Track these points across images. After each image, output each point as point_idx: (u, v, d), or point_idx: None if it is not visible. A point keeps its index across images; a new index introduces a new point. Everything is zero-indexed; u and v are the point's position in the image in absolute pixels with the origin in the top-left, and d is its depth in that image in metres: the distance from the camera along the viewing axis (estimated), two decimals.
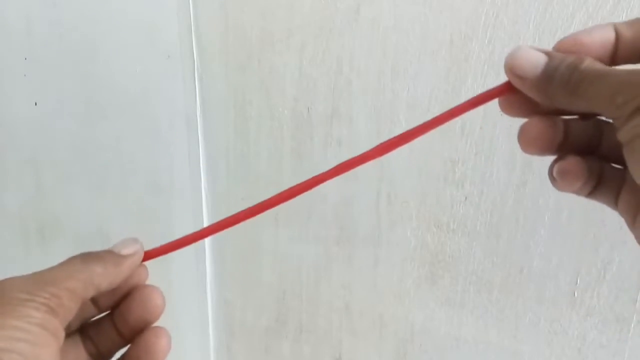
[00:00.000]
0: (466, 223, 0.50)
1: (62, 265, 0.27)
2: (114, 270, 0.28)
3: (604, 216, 0.45)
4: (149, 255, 0.31)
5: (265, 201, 0.29)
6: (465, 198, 0.49)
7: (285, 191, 0.29)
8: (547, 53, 0.26)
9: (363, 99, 0.50)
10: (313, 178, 0.28)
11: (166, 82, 0.59)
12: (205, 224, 0.61)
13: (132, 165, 0.64)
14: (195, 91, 0.58)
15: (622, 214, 0.28)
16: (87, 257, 0.28)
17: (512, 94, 0.27)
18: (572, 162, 0.27)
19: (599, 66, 0.24)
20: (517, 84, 0.27)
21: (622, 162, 0.27)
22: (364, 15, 0.48)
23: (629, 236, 0.45)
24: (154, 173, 0.63)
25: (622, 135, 0.23)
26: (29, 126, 0.68)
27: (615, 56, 0.26)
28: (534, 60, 0.26)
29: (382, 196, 0.52)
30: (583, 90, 0.24)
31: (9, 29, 0.65)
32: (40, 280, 0.25)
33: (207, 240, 0.62)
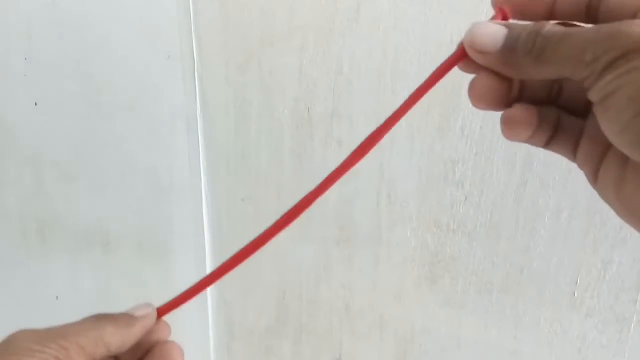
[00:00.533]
0: (466, 223, 0.50)
1: (75, 322, 0.28)
2: (126, 331, 0.29)
3: (604, 216, 0.45)
4: (162, 311, 0.32)
5: (272, 226, 0.29)
6: (465, 198, 0.49)
7: (285, 214, 0.29)
8: (506, 25, 0.25)
9: (363, 99, 0.50)
10: (311, 193, 0.28)
11: (166, 82, 0.59)
12: (205, 224, 0.61)
13: (132, 165, 0.64)
14: (195, 91, 0.58)
15: (580, 166, 0.27)
16: (100, 317, 0.29)
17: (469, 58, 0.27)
18: (520, 110, 0.26)
19: (561, 28, 0.23)
20: (479, 59, 0.26)
21: (581, 113, 0.26)
22: (364, 15, 0.48)
23: (629, 236, 0.45)
24: (154, 173, 0.63)
25: (594, 94, 0.22)
26: (29, 126, 0.68)
27: (553, 11, 0.26)
28: (494, 34, 0.25)
29: (382, 196, 0.52)
30: (549, 55, 0.23)
31: (9, 29, 0.65)
32: (51, 333, 0.26)
33: (207, 240, 0.62)
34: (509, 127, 0.26)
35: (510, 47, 0.24)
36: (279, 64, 0.53)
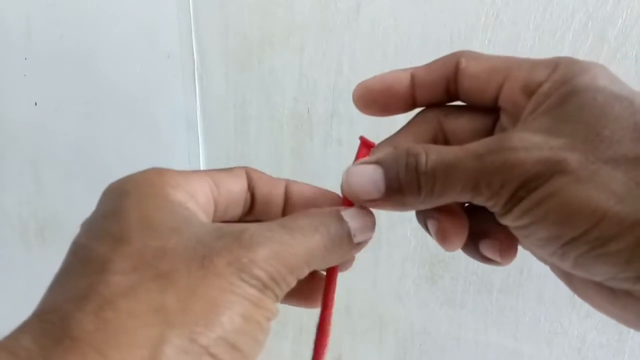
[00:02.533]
0: None
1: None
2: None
3: None
4: None
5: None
6: None
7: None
8: (376, 162, 0.24)
9: None
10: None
11: (166, 82, 0.59)
12: None
13: (132, 165, 0.64)
14: (195, 91, 0.58)
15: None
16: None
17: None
18: (449, 222, 0.24)
19: (438, 157, 0.22)
20: (371, 206, 0.25)
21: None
22: (364, 15, 0.48)
23: None
24: None
25: (507, 223, 0.22)
26: (29, 126, 0.68)
27: (415, 98, 0.27)
28: (371, 181, 0.24)
29: None
30: (439, 192, 0.22)
31: (9, 29, 0.65)
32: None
33: None
34: (443, 242, 0.25)
35: (395, 189, 0.24)
36: (279, 64, 0.53)
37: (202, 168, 0.60)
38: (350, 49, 0.49)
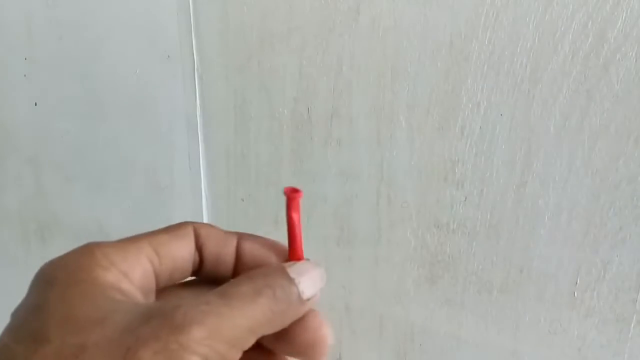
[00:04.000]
0: (466, 223, 0.50)
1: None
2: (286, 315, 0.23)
3: (604, 216, 0.45)
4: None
5: None
6: (465, 198, 0.49)
7: None
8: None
9: (363, 99, 0.50)
10: None
11: (166, 82, 0.59)
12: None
13: (132, 165, 0.64)
14: (195, 91, 0.58)
15: None
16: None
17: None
18: None
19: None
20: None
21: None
22: (364, 15, 0.48)
23: (629, 236, 0.45)
24: (154, 173, 0.63)
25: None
26: (29, 126, 0.68)
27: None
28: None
29: (382, 196, 0.52)
30: None
31: (9, 29, 0.65)
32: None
33: None
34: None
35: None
36: (279, 64, 0.53)
37: (202, 168, 0.60)
38: (350, 49, 0.49)
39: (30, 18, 0.63)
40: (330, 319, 0.62)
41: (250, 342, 0.21)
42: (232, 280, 0.23)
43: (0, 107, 0.68)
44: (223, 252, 0.26)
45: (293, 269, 0.24)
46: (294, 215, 0.27)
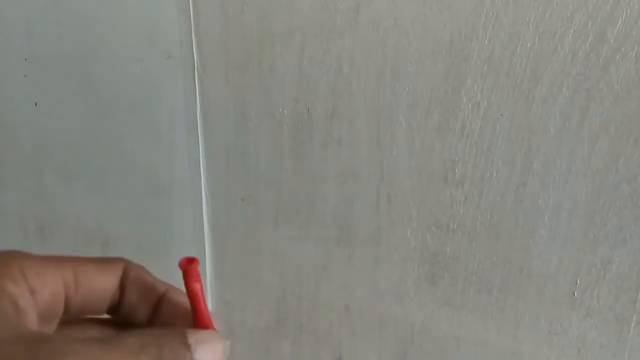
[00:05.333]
0: (466, 223, 0.50)
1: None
2: None
3: (604, 216, 0.45)
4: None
5: None
6: (465, 198, 0.49)
7: None
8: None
9: (363, 99, 0.50)
10: None
11: (166, 82, 0.59)
12: (205, 224, 0.61)
13: (132, 165, 0.64)
14: (195, 91, 0.58)
15: None
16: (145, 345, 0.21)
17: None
18: None
19: None
20: None
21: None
22: (364, 15, 0.48)
23: (629, 236, 0.45)
24: (154, 173, 0.63)
25: None
26: (29, 126, 0.68)
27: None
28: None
29: (382, 196, 0.52)
30: None
31: (9, 29, 0.65)
32: None
33: (207, 241, 0.62)
34: None
35: None
36: (279, 64, 0.53)
37: (202, 168, 0.60)
38: (350, 49, 0.49)
39: (30, 18, 0.63)
40: (330, 319, 0.62)
41: None
42: (129, 330, 0.22)
43: (0, 107, 0.68)
44: (145, 299, 0.26)
45: (194, 334, 0.22)
46: (195, 286, 0.25)
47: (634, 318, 0.47)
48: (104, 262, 0.26)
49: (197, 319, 0.25)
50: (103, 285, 0.25)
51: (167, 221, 0.63)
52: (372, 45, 0.49)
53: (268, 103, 0.54)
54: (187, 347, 0.22)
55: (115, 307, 0.26)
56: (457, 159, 0.49)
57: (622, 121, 0.42)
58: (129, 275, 0.26)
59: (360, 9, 0.48)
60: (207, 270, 0.63)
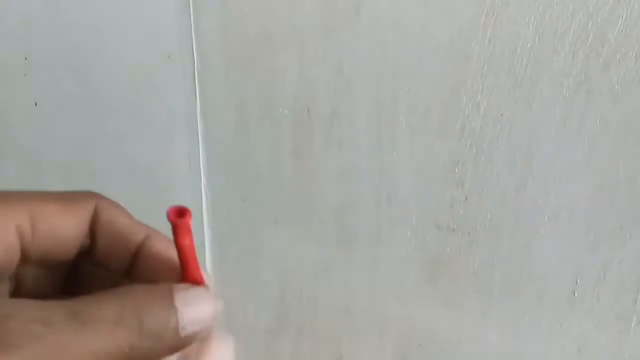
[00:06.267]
0: (466, 223, 0.50)
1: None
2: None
3: (604, 216, 0.45)
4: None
5: None
6: (465, 198, 0.49)
7: None
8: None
9: (363, 99, 0.50)
10: None
11: (166, 82, 0.59)
12: (205, 224, 0.61)
13: (132, 165, 0.64)
14: (195, 91, 0.58)
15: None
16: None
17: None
18: None
19: None
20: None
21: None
22: (364, 15, 0.48)
23: (629, 236, 0.45)
24: (154, 173, 0.63)
25: None
26: (29, 126, 0.68)
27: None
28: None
29: (382, 196, 0.52)
30: None
31: (9, 29, 0.65)
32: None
33: (207, 241, 0.62)
34: None
35: None
36: (279, 64, 0.53)
37: (202, 168, 0.60)
38: (350, 49, 0.49)
39: (30, 18, 0.63)
40: (330, 319, 0.62)
41: None
42: (96, 294, 0.18)
43: (0, 107, 0.68)
44: (120, 248, 0.22)
45: (182, 294, 0.19)
46: (184, 242, 0.21)
47: (634, 318, 0.47)
48: (70, 200, 0.21)
49: (186, 271, 0.21)
50: (67, 231, 0.20)
51: (167, 221, 0.63)
52: (372, 45, 0.49)
53: (268, 103, 0.54)
54: (173, 310, 0.18)
55: (87, 254, 0.22)
56: (457, 159, 0.49)
57: (622, 121, 0.42)
58: (100, 219, 0.22)
59: (360, 9, 0.48)
60: (207, 271, 0.63)
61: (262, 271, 0.61)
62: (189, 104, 0.58)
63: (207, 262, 0.63)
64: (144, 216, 0.67)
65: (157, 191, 0.63)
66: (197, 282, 0.21)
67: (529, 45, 0.43)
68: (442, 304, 0.53)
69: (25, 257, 0.20)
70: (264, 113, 0.55)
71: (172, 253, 0.22)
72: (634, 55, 0.41)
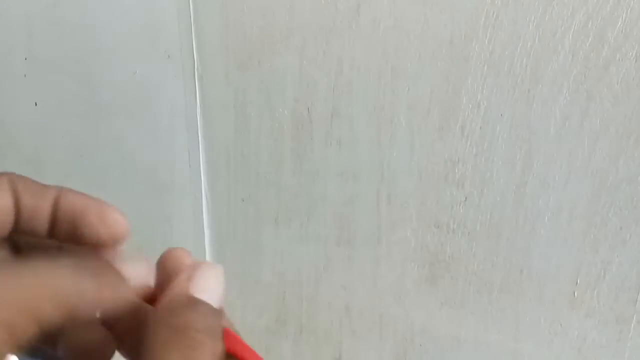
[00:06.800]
0: (466, 223, 0.50)
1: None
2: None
3: (604, 216, 0.45)
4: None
5: None
6: (465, 198, 0.49)
7: None
8: None
9: (363, 99, 0.50)
10: None
11: (166, 82, 0.59)
12: (205, 224, 0.61)
13: (132, 165, 0.64)
14: (195, 91, 0.58)
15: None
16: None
17: None
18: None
19: None
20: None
21: None
22: (364, 15, 0.48)
23: (629, 236, 0.45)
24: (154, 173, 0.63)
25: None
26: (29, 126, 0.68)
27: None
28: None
29: (382, 196, 0.52)
30: None
31: (9, 29, 0.65)
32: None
33: (207, 240, 0.62)
34: None
35: None
36: (279, 64, 0.53)
37: (202, 168, 0.60)
38: (350, 49, 0.49)
39: (30, 18, 0.63)
40: (331, 319, 0.62)
41: (50, 314, 0.18)
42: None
43: (0, 107, 0.68)
44: (40, 207, 0.23)
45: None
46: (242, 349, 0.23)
47: (634, 318, 0.47)
48: None
49: None
50: None
51: (167, 221, 0.63)
52: (372, 45, 0.49)
53: (268, 103, 0.54)
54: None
55: (12, 227, 0.23)
56: (457, 159, 0.49)
57: (622, 121, 0.43)
58: (18, 188, 0.23)
59: (360, 9, 0.48)
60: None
61: (262, 271, 0.61)
62: (189, 104, 0.58)
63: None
64: (144, 216, 0.67)
65: (157, 191, 0.63)
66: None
67: (529, 45, 0.43)
68: (442, 304, 0.53)
69: None
70: (264, 113, 0.55)
71: (87, 202, 0.24)
72: (634, 55, 0.41)
